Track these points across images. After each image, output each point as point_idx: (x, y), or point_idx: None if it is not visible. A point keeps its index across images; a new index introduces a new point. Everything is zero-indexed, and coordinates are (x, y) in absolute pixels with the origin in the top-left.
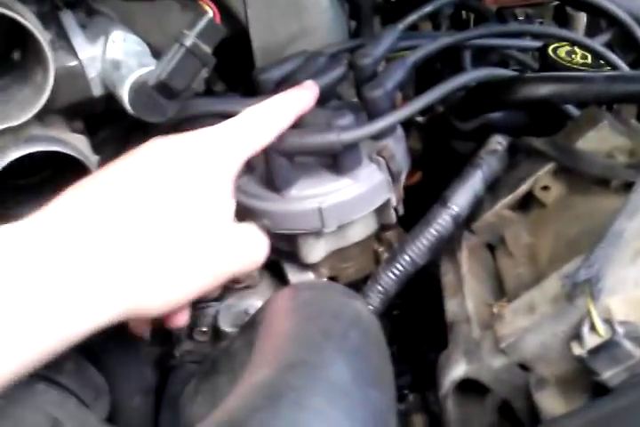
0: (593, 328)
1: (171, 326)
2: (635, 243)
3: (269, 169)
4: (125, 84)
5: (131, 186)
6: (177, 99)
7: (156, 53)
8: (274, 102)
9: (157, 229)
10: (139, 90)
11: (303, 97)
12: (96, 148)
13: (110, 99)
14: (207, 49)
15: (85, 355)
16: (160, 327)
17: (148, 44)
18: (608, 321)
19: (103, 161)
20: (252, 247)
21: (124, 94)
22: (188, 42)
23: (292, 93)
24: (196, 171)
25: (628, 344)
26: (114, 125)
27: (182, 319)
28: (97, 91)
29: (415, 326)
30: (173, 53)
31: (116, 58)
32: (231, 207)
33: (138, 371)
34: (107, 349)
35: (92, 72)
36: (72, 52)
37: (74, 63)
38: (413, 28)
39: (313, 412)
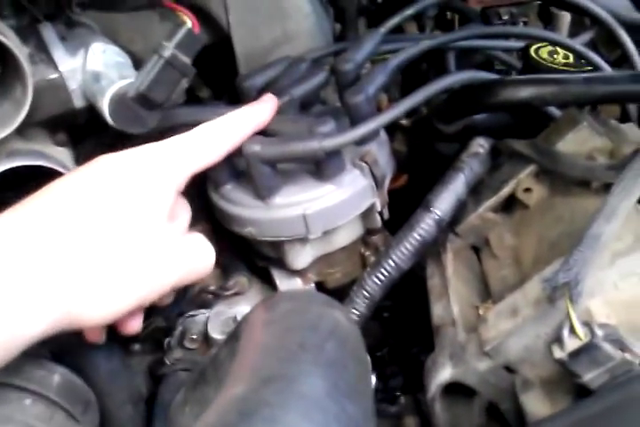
0: (573, 331)
1: (123, 332)
2: (613, 245)
3: (253, 177)
4: (105, 95)
5: (73, 200)
6: (157, 110)
7: (140, 63)
8: (227, 119)
9: (96, 241)
10: (118, 102)
11: (260, 112)
12: (80, 159)
13: (93, 110)
14: (186, 60)
15: (73, 368)
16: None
17: (132, 54)
18: (587, 324)
19: None
20: (196, 257)
21: (105, 106)
22: (167, 53)
23: (247, 109)
24: (135, 185)
25: (607, 347)
26: (97, 137)
27: (134, 326)
28: (78, 103)
29: (406, 327)
30: (152, 65)
31: (96, 70)
32: (178, 220)
33: (127, 380)
34: (94, 360)
35: (73, 84)
36: (52, 64)
37: (54, 76)
38: (399, 29)
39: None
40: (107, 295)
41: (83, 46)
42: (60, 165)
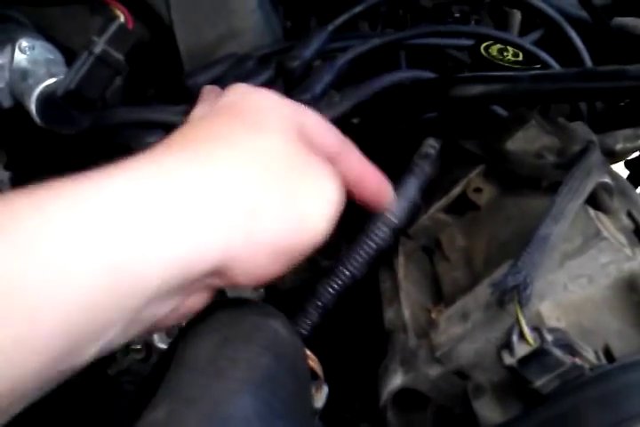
0: (522, 337)
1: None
2: (562, 246)
3: None
4: (33, 94)
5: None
6: (90, 109)
7: None
8: None
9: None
10: (46, 101)
11: None
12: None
13: (22, 110)
14: (119, 56)
15: None
16: None
17: (71, 52)
18: (537, 329)
19: (16, 178)
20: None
21: (32, 105)
22: (97, 49)
23: None
24: None
25: (557, 352)
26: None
27: None
28: (6, 102)
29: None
30: (82, 62)
31: (23, 67)
32: None
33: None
34: None
35: (0, 83)
36: None
37: None
38: (353, 28)
39: None
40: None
41: (9, 42)
42: None
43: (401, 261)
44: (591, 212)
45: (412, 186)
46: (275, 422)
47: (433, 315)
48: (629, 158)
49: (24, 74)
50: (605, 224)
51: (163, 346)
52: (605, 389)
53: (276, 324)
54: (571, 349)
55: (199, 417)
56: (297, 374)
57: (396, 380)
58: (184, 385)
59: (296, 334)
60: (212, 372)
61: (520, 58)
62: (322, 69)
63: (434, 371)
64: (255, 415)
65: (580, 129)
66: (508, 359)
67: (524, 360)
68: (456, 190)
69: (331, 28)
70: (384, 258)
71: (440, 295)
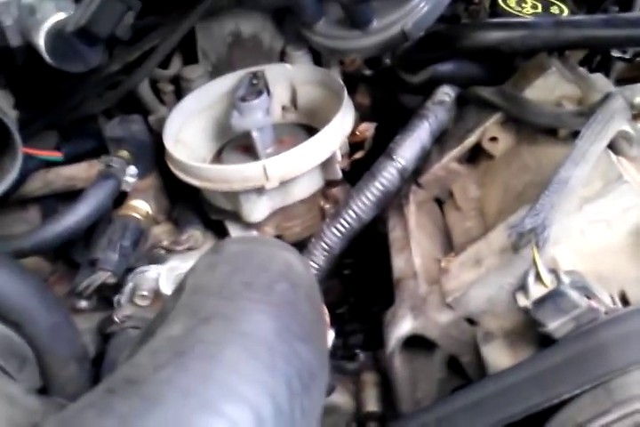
0: (538, 278)
1: None
2: (581, 190)
3: None
4: (41, 30)
5: None
6: (100, 46)
7: None
8: None
9: None
10: (56, 37)
11: None
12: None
13: (31, 49)
14: None
15: (7, 323)
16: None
17: None
18: (553, 271)
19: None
20: None
21: (41, 41)
22: None
23: None
24: None
25: (573, 294)
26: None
27: None
28: (14, 41)
29: (367, 285)
30: None
31: (31, 2)
32: None
33: (71, 337)
34: (32, 314)
35: (8, 20)
36: None
37: None
38: None
39: (224, 363)
40: None
41: None
42: None
43: (412, 210)
44: (613, 156)
45: (423, 129)
46: (295, 344)
47: (443, 264)
48: None
49: (32, 9)
50: (627, 169)
51: (168, 292)
52: (623, 330)
53: (289, 256)
54: (587, 291)
55: (216, 333)
56: (313, 304)
57: (406, 325)
58: (197, 307)
59: (309, 268)
60: (225, 294)
61: (539, 10)
62: None
63: (444, 317)
64: (275, 336)
65: (600, 80)
66: (523, 301)
67: (540, 302)
68: (471, 139)
69: None
70: (393, 207)
71: (450, 246)
